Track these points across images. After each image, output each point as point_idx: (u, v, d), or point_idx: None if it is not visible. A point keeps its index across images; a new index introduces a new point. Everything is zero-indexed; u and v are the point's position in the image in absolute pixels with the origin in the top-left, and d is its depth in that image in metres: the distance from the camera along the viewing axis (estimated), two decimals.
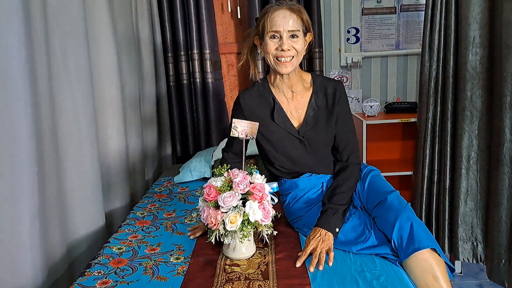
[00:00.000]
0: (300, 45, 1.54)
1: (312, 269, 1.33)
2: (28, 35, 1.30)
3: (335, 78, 2.94)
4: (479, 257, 2.20)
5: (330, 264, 1.36)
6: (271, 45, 1.54)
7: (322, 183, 1.70)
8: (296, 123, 1.66)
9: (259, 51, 1.66)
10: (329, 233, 1.46)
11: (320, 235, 1.44)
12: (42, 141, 1.43)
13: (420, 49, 2.29)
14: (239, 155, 1.70)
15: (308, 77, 1.69)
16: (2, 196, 1.25)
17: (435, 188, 2.31)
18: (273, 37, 1.53)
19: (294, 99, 1.66)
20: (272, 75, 1.66)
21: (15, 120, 1.26)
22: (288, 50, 1.52)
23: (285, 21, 1.50)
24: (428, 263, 1.32)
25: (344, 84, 2.98)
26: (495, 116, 1.97)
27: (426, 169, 2.33)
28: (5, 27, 1.21)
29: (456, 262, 2.28)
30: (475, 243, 2.19)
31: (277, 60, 1.55)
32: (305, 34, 1.57)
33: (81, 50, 1.69)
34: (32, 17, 1.36)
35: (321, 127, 1.65)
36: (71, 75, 1.64)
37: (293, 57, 1.55)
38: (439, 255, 1.35)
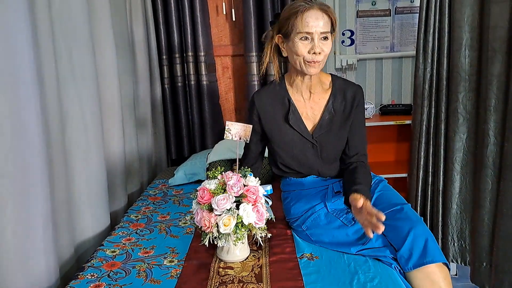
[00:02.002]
0: (329, 47, 1.48)
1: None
2: (35, 37, 1.30)
3: None
4: (467, 259, 2.20)
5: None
6: (302, 47, 1.46)
7: (328, 185, 1.68)
8: (310, 125, 1.63)
9: (282, 50, 1.57)
10: None
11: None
12: (52, 144, 1.43)
13: (415, 52, 2.29)
14: (254, 165, 1.72)
15: (327, 78, 1.65)
16: (16, 200, 1.24)
17: (429, 190, 2.31)
18: (305, 38, 1.46)
19: (311, 100, 1.62)
20: (292, 75, 1.61)
21: (26, 123, 1.26)
22: (319, 53, 1.46)
23: (317, 23, 1.43)
24: (437, 276, 1.33)
25: None
26: (480, 119, 1.98)
27: (421, 171, 2.33)
28: (13, 29, 1.20)
29: (452, 264, 2.29)
30: (463, 245, 2.20)
31: (306, 62, 1.49)
32: (331, 34, 1.51)
33: (85, 53, 1.69)
34: (37, 19, 1.35)
35: (335, 132, 1.62)
36: (77, 77, 1.64)
37: (322, 59, 1.49)
38: (448, 270, 1.37)
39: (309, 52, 1.47)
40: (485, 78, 1.92)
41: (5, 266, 1.23)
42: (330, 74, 1.67)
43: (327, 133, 1.62)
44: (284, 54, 1.56)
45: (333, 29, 1.50)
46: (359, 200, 1.31)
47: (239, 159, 1.52)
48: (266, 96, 1.64)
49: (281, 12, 1.54)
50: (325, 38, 1.47)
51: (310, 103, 1.63)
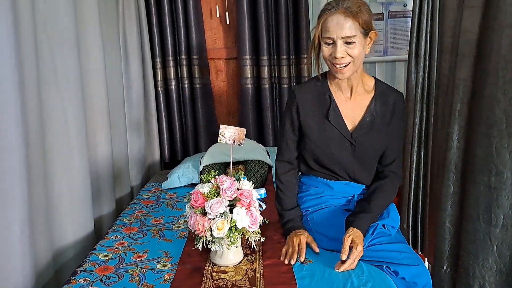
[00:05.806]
0: (357, 50, 1.44)
1: None
2: (17, 40, 1.28)
3: None
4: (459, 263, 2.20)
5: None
6: (326, 51, 1.46)
7: (354, 195, 1.65)
8: (350, 125, 1.58)
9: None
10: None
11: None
12: (31, 148, 1.41)
13: (407, 56, 2.30)
14: (293, 163, 1.68)
15: (371, 81, 1.63)
16: None
17: (420, 193, 2.33)
18: (327, 43, 1.45)
19: (353, 99, 1.59)
20: (332, 74, 1.56)
21: (4, 126, 1.25)
22: (342, 57, 1.44)
23: (338, 27, 1.40)
24: None
25: None
26: (445, 123, 1.98)
27: (414, 175, 2.34)
28: None
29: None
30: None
31: (333, 65, 1.47)
32: (366, 35, 1.47)
33: (70, 56, 1.68)
34: (20, 22, 1.34)
35: (375, 135, 1.58)
36: (59, 80, 1.63)
37: (349, 63, 1.46)
38: None
39: (331, 55, 1.46)
40: (452, 83, 1.90)
41: None
42: (374, 77, 1.65)
43: (367, 135, 1.57)
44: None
45: (365, 30, 1.45)
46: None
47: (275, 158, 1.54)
48: (307, 91, 1.61)
49: None
50: (350, 42, 1.43)
51: (351, 103, 1.59)
